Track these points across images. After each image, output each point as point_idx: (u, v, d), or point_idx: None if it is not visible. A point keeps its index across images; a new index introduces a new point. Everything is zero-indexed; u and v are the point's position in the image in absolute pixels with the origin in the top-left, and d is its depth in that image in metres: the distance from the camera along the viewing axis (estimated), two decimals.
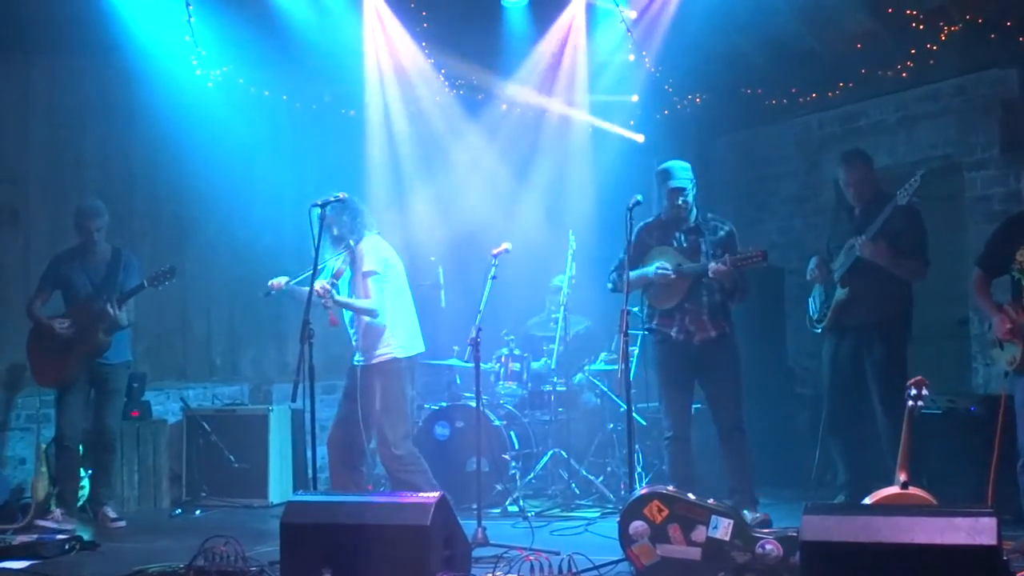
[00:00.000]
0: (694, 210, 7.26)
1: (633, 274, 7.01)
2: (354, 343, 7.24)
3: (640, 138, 10.35)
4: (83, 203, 8.31)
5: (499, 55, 9.76)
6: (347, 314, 7.19)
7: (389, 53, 9.80)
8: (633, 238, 7.02)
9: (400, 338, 7.12)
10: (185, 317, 9.91)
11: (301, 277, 6.92)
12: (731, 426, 7.13)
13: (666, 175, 7.24)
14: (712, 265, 6.93)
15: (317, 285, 6.83)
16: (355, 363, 7.22)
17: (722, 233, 7.21)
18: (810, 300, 7.78)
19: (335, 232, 7.07)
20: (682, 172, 7.24)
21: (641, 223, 7.30)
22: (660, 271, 7.08)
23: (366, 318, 7.10)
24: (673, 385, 7.27)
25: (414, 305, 7.41)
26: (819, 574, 4.80)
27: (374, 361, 7.09)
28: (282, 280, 7.07)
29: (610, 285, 7.30)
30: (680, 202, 7.17)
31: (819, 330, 7.70)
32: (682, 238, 7.25)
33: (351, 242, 7.11)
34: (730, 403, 7.16)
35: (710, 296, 7.13)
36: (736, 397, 7.17)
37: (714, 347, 7.13)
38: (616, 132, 10.23)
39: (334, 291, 6.96)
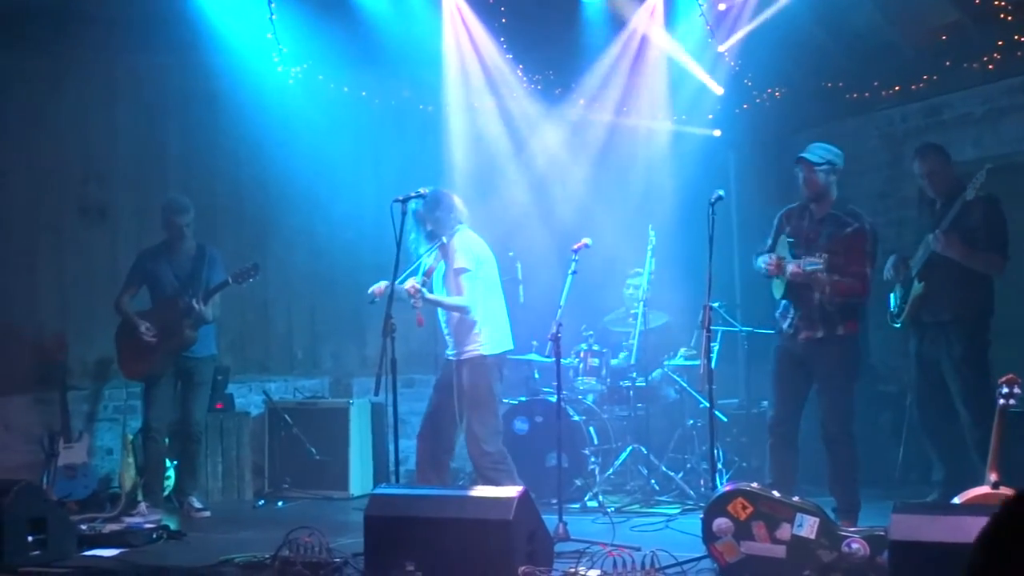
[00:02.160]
0: (830, 198, 6.85)
1: (758, 261, 6.92)
2: (447, 337, 7.25)
3: (717, 132, 10.25)
4: (171, 199, 8.42)
5: (577, 50, 9.73)
6: (440, 311, 7.20)
7: (468, 49, 9.80)
8: (776, 222, 6.96)
9: (488, 335, 7.11)
10: (267, 312, 10.01)
11: (401, 278, 6.89)
12: (828, 434, 6.74)
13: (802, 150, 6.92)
14: (790, 267, 6.67)
15: (408, 285, 6.85)
16: (448, 357, 7.24)
17: (848, 230, 6.75)
18: (891, 296, 7.69)
19: (429, 228, 7.07)
20: (816, 148, 6.85)
21: (785, 207, 7.08)
22: (765, 266, 6.85)
23: (457, 314, 7.10)
24: (777, 378, 6.95)
25: (505, 301, 7.39)
26: (907, 574, 4.73)
27: (464, 356, 7.10)
28: (383, 285, 6.87)
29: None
30: (802, 176, 6.81)
31: (898, 325, 7.62)
32: (805, 227, 6.90)
33: (444, 238, 7.11)
34: (827, 410, 6.76)
35: (830, 296, 6.71)
36: (835, 405, 6.74)
37: (817, 348, 6.75)
38: (695, 124, 10.14)
39: (425, 290, 6.95)
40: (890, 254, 7.72)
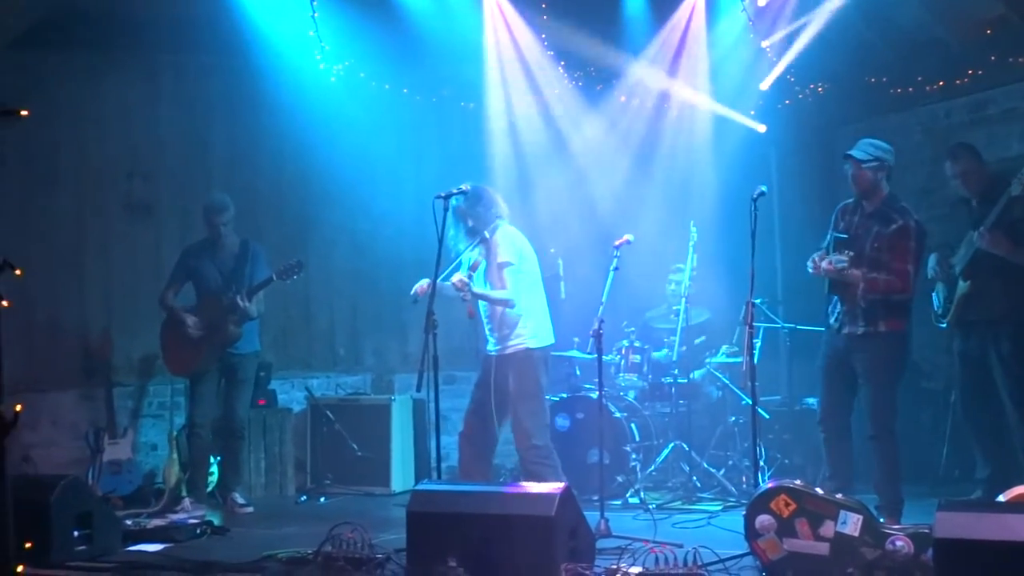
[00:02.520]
0: (880, 193, 6.83)
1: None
2: (487, 332, 7.25)
3: (762, 128, 10.21)
4: (210, 198, 8.49)
5: (618, 45, 9.71)
6: (482, 304, 7.19)
7: (508, 45, 9.81)
8: (832, 218, 6.96)
9: (532, 328, 7.11)
10: (309, 308, 10.07)
11: (443, 275, 6.90)
12: (872, 431, 6.71)
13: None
14: (824, 264, 6.70)
15: (455, 279, 6.88)
16: (489, 352, 7.23)
17: (893, 227, 6.71)
18: (933, 295, 7.63)
19: (470, 224, 7.08)
20: (864, 144, 6.84)
21: (841, 204, 7.07)
22: (810, 264, 6.85)
23: (500, 308, 7.10)
24: (823, 372, 6.96)
25: (546, 296, 7.39)
26: (952, 572, 4.71)
27: (508, 351, 7.10)
28: (425, 283, 6.83)
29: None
30: (851, 172, 6.83)
31: (944, 325, 7.56)
32: (854, 222, 6.88)
33: (486, 233, 7.11)
34: (868, 407, 6.75)
35: (865, 292, 6.70)
36: (874, 402, 6.71)
37: (858, 344, 6.72)
38: (738, 122, 10.08)
39: (471, 284, 6.97)
40: (934, 251, 7.67)
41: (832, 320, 6.89)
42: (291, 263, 8.06)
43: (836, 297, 6.87)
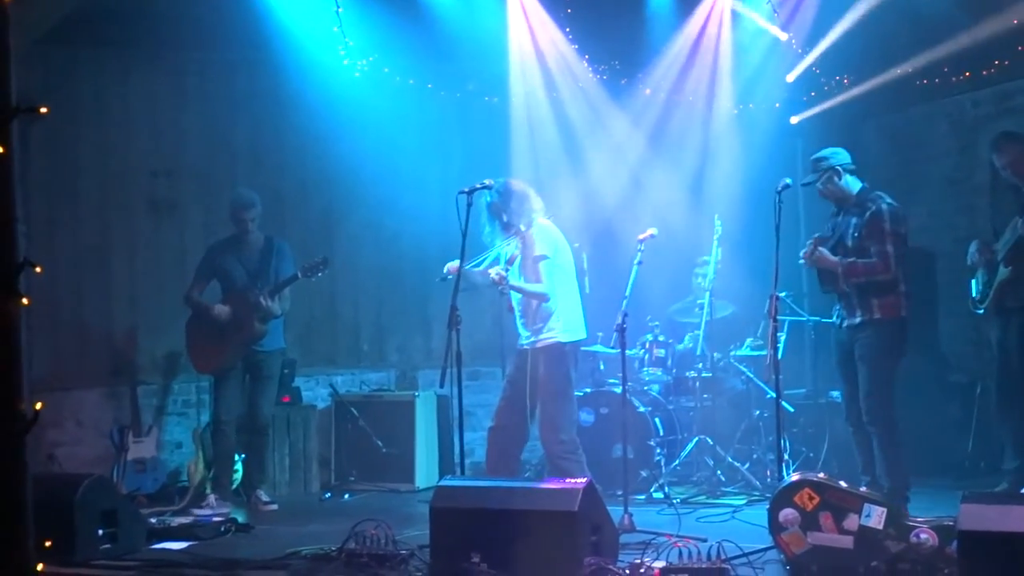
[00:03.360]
0: (850, 192, 7.07)
1: None
2: (520, 326, 7.25)
3: (794, 119, 10.18)
4: (237, 194, 8.52)
5: (643, 38, 9.69)
6: (515, 297, 7.19)
7: (532, 40, 9.81)
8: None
9: (565, 322, 7.11)
10: (333, 305, 10.11)
11: (475, 262, 6.94)
12: (868, 420, 6.88)
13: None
14: (803, 252, 6.99)
15: (493, 272, 6.90)
16: (523, 345, 7.23)
17: (867, 214, 6.95)
18: (972, 281, 7.64)
19: (504, 219, 7.08)
20: (813, 163, 7.22)
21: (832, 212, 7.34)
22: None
23: (535, 301, 7.11)
24: (840, 370, 7.17)
25: (579, 291, 7.41)
26: (977, 564, 4.71)
27: (540, 344, 7.09)
28: (455, 264, 6.84)
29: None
30: (819, 194, 7.22)
31: (981, 311, 7.57)
32: (837, 223, 7.16)
33: (522, 227, 7.12)
34: (865, 395, 6.89)
35: (846, 277, 6.95)
36: (872, 390, 6.85)
37: (857, 333, 6.94)
38: (762, 117, 10.08)
39: (508, 277, 6.98)
40: (959, 242, 7.67)
41: (835, 318, 7.13)
42: (316, 260, 8.10)
43: (834, 295, 7.10)
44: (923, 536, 5.30)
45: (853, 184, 7.08)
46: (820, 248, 6.93)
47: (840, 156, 7.11)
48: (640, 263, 7.11)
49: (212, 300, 8.37)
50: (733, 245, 8.80)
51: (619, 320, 6.96)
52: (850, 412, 7.08)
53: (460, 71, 10.00)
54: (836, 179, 7.05)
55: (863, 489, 5.59)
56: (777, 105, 10.19)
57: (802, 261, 7.07)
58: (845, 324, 7.00)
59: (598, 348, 8.85)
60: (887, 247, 6.83)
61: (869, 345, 6.89)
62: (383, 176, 9.93)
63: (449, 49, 9.43)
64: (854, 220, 6.98)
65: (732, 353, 8.88)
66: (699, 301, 8.78)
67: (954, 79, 9.44)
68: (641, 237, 7.18)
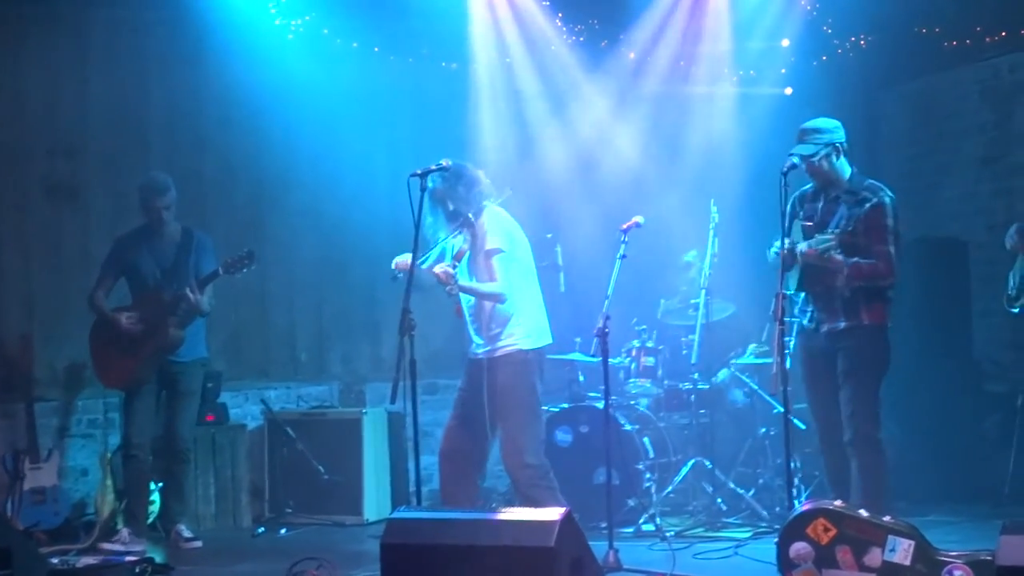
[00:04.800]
0: (842, 176, 7.02)
1: (770, 252, 7.04)
2: (473, 332, 7.21)
3: (788, 91, 10.22)
4: (148, 178, 8.45)
5: None
6: (465, 299, 7.15)
7: None
8: (788, 208, 6.97)
9: (526, 326, 7.05)
10: (264, 307, 10.06)
11: (423, 258, 6.89)
12: (854, 437, 6.85)
13: (797, 137, 7.08)
14: (802, 248, 6.79)
15: (438, 269, 6.84)
16: (477, 354, 7.18)
17: (867, 207, 6.88)
18: (1009, 275, 7.67)
19: (450, 207, 7.04)
20: (810, 135, 7.02)
21: (798, 191, 7.20)
22: (775, 254, 6.93)
23: (489, 303, 7.09)
24: (810, 382, 7.15)
25: (541, 289, 7.38)
26: None
27: (498, 353, 7.05)
28: (407, 258, 6.73)
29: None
30: (807, 169, 7.01)
31: (1016, 310, 7.60)
32: (819, 209, 7.07)
33: (470, 216, 7.10)
34: (852, 409, 6.87)
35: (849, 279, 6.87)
36: (861, 402, 6.86)
37: (842, 340, 6.89)
38: (767, 79, 10.12)
39: (456, 275, 6.93)
40: (994, 230, 7.71)
41: (806, 320, 7.06)
42: (240, 254, 8.02)
43: (806, 294, 7.02)
44: (956, 573, 5.32)
45: (845, 168, 7.04)
46: (820, 238, 6.75)
47: (840, 133, 7.05)
48: (624, 256, 7.09)
49: (122, 301, 8.31)
50: (732, 235, 8.81)
51: (600, 323, 6.94)
52: (826, 431, 7.06)
53: (412, 32, 9.99)
54: (834, 158, 7.00)
55: (887, 519, 5.59)
56: (783, 71, 10.23)
57: (801, 252, 6.84)
58: (825, 329, 6.94)
59: (576, 356, 8.86)
60: (889, 247, 6.82)
61: (858, 356, 6.89)
62: (323, 155, 9.91)
63: (400, 6, 9.42)
64: (844, 210, 6.94)
65: (733, 361, 8.90)
66: (693, 301, 8.80)
67: (988, 39, 9.49)
68: (625, 227, 7.16)
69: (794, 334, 7.22)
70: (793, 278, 6.97)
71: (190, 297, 7.99)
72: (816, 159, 6.95)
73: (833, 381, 6.99)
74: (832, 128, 7.05)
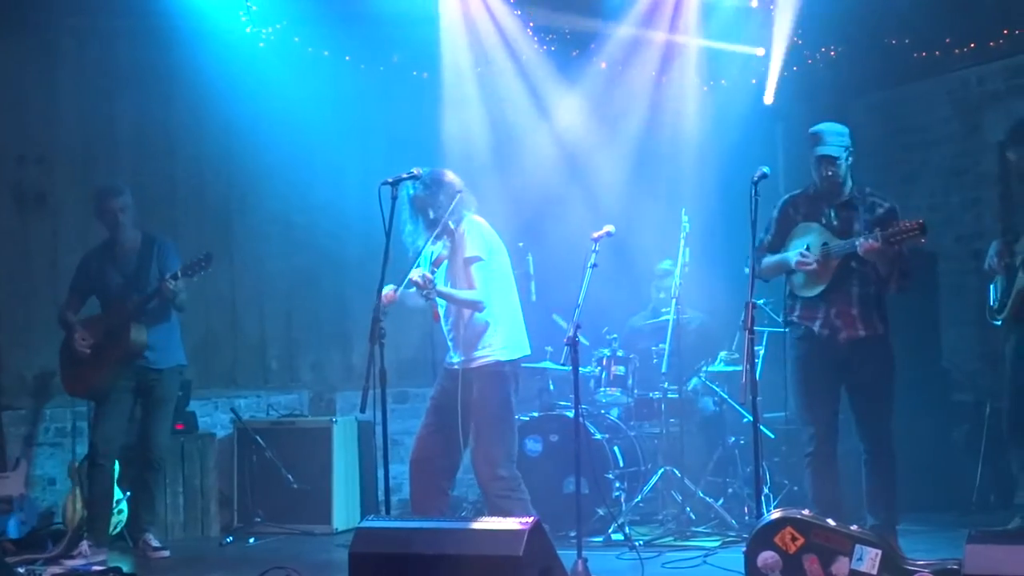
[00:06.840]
0: (848, 182, 7.01)
1: (772, 259, 6.99)
2: (450, 341, 7.18)
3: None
4: (100, 184, 8.45)
5: (597, 3, 9.74)
6: (442, 307, 7.13)
7: (468, 5, 9.82)
8: (777, 213, 7.03)
9: (504, 337, 7.02)
10: (234, 315, 10.04)
11: (406, 282, 6.84)
12: (878, 448, 6.91)
13: (815, 139, 6.99)
14: (860, 241, 6.64)
15: (415, 275, 6.79)
16: (452, 364, 7.14)
17: (880, 211, 6.90)
18: (991, 287, 7.71)
19: (431, 215, 7.01)
20: (833, 137, 6.96)
21: (788, 195, 7.20)
22: (800, 260, 6.85)
23: (468, 311, 7.07)
24: (815, 390, 7.02)
25: (519, 299, 7.35)
26: None
27: (475, 364, 7.01)
28: (390, 290, 6.73)
29: (747, 269, 7.05)
30: (829, 173, 6.91)
31: (999, 323, 7.63)
32: (832, 214, 7.00)
33: (451, 224, 7.09)
34: (877, 419, 6.93)
35: (862, 287, 6.86)
36: (885, 413, 6.94)
37: (862, 349, 6.86)
38: (736, 96, 10.14)
39: (434, 281, 6.91)
40: (962, 241, 7.74)
41: (817, 326, 6.94)
42: (198, 257, 7.94)
43: (820, 299, 6.94)
44: None
45: (849, 174, 7.03)
46: (874, 236, 6.63)
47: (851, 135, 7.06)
48: (595, 266, 7.06)
49: (97, 310, 8.28)
50: (703, 244, 8.83)
51: (570, 332, 6.94)
52: (824, 442, 6.98)
53: (383, 41, 10.00)
54: (851, 159, 6.98)
55: (854, 528, 5.61)
56: (753, 81, 10.25)
57: (860, 244, 6.68)
58: (843, 336, 6.87)
59: (547, 365, 8.85)
60: (904, 252, 6.82)
61: (879, 369, 6.91)
62: (293, 163, 9.91)
63: (370, 15, 9.42)
64: (862, 214, 6.91)
65: (703, 370, 8.92)
66: (664, 310, 8.82)
67: (958, 51, 9.53)
68: (596, 235, 7.12)
69: (792, 340, 7.12)
70: (811, 283, 6.94)
71: (170, 287, 7.89)
72: (843, 161, 6.92)
73: (837, 391, 6.99)
74: (848, 133, 7.04)
